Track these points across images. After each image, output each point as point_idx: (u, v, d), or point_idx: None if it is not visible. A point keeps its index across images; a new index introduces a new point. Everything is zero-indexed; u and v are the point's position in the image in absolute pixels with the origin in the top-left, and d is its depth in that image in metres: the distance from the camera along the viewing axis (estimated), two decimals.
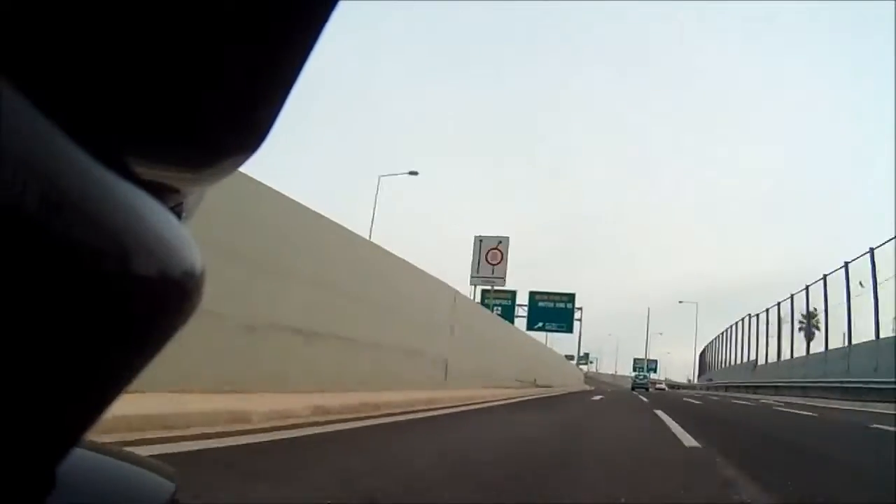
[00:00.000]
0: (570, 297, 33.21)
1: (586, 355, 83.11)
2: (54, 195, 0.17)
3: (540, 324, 32.22)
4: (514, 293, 31.35)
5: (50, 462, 0.20)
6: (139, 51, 0.19)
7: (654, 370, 72.00)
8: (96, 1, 0.17)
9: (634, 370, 62.89)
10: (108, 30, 0.18)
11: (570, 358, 71.85)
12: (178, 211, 0.25)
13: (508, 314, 28.97)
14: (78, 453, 0.21)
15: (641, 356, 69.53)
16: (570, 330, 33.26)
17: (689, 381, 69.02)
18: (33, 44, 0.17)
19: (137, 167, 0.21)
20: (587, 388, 31.48)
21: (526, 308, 32.38)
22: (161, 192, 0.22)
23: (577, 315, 33.66)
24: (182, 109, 0.21)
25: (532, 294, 32.85)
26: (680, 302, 60.21)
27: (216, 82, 0.21)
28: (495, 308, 24.94)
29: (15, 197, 0.15)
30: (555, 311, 32.72)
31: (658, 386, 52.81)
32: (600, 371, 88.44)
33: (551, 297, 33.09)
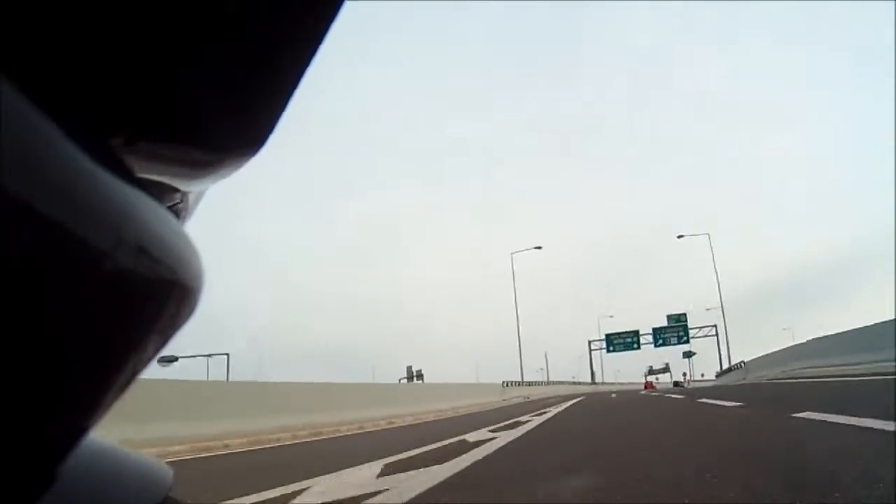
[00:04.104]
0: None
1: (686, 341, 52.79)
2: (53, 194, 0.17)
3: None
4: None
5: (51, 462, 0.20)
6: (140, 50, 0.19)
7: None
8: (96, 1, 0.18)
9: None
10: (108, 29, 0.18)
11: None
12: (177, 210, 0.25)
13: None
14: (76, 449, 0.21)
15: None
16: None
17: None
18: (33, 44, 0.17)
19: (137, 166, 0.21)
20: None
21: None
22: (160, 191, 0.22)
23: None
24: (182, 109, 0.21)
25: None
26: None
27: (217, 82, 0.21)
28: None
29: (14, 196, 0.15)
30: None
31: None
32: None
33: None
